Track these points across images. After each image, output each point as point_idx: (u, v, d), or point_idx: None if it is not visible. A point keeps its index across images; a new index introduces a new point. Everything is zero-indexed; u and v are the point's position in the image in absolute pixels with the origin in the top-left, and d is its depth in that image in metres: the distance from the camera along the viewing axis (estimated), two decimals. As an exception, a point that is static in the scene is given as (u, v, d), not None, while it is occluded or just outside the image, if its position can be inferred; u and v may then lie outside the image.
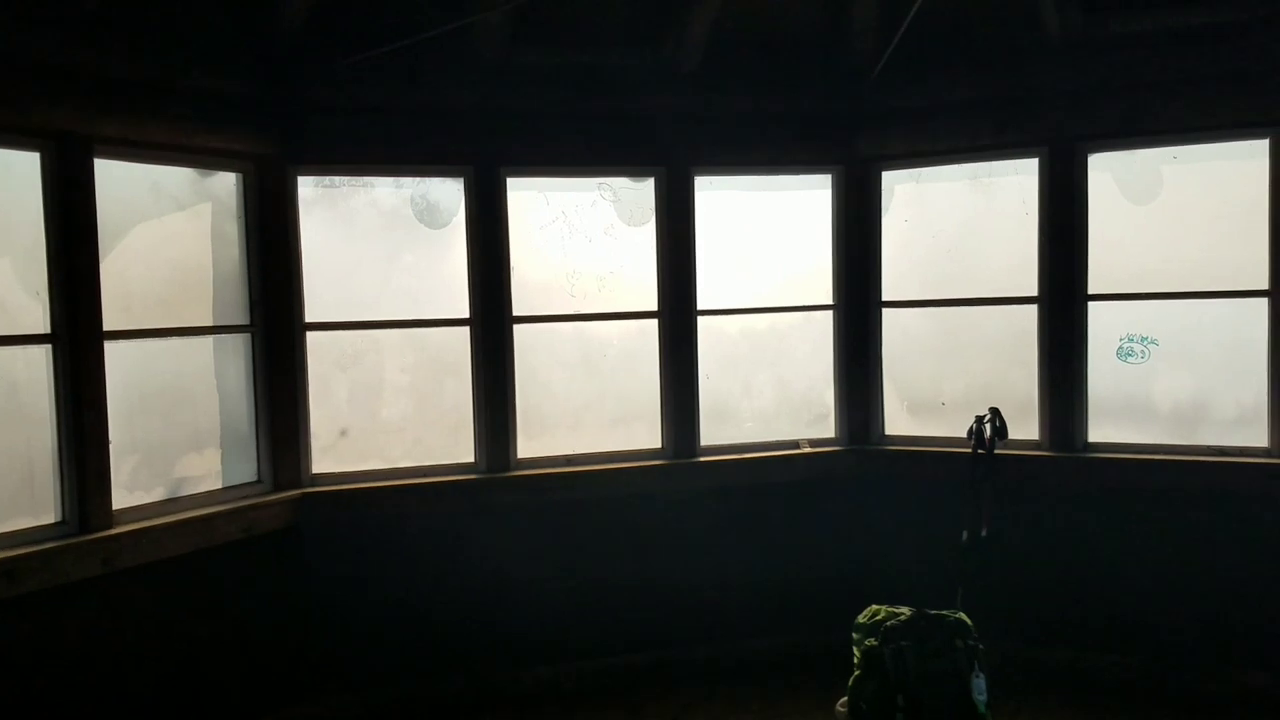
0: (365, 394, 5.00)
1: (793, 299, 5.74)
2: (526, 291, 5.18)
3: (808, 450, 5.64)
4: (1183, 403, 5.13)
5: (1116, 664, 5.14)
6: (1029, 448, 5.33)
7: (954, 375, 5.62)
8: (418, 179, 5.05)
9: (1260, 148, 4.81)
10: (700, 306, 5.47)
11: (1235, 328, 4.91)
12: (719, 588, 5.52)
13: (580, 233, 5.27)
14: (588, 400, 5.37)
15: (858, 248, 5.70)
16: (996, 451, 5.21)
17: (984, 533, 5.16)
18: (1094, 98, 5.06)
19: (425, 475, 5.07)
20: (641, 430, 5.46)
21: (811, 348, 5.75)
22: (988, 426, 5.21)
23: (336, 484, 4.93)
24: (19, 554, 3.64)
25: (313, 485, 4.89)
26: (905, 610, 3.97)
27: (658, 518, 5.40)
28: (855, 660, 4.00)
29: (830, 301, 5.76)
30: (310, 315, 4.88)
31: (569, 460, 5.33)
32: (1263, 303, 4.83)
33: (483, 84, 5.01)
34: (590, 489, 5.24)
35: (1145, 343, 5.13)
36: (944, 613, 3.90)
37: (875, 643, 3.67)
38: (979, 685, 3.60)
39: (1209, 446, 5.01)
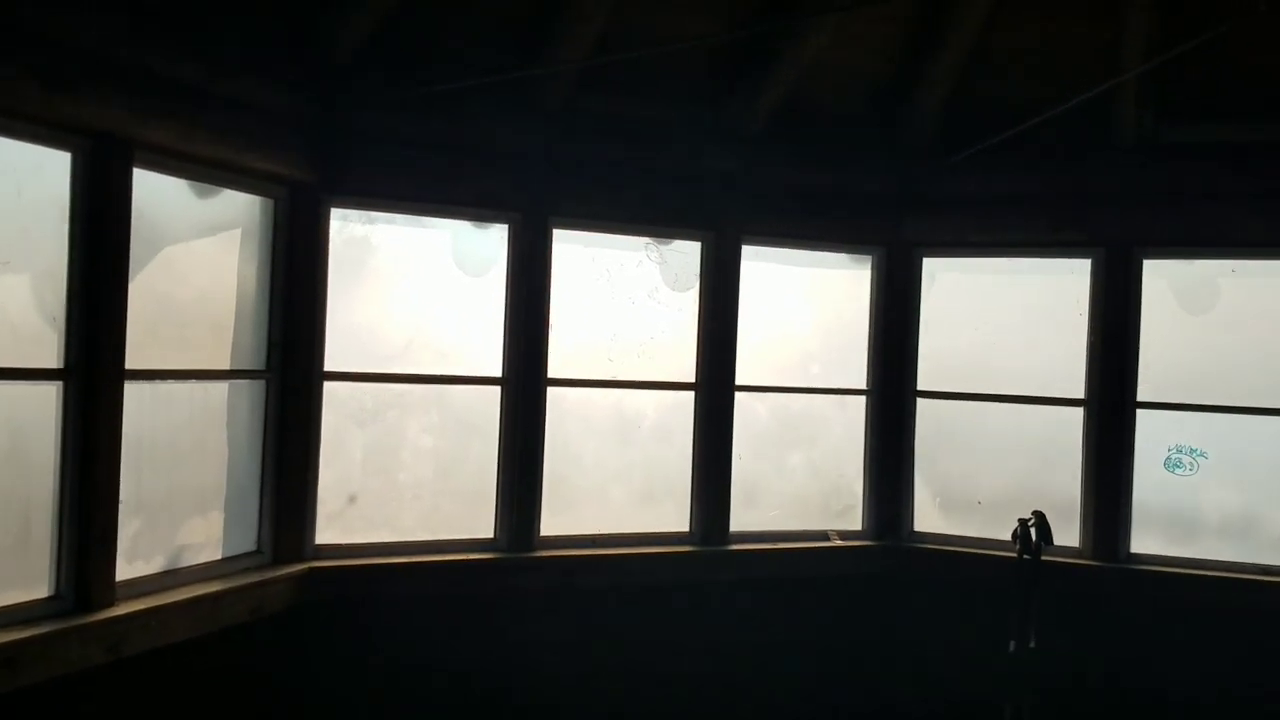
0: (382, 454, 4.53)
1: (827, 381, 5.58)
2: (563, 352, 4.84)
3: (838, 543, 5.42)
4: (1231, 518, 5.13)
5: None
6: (1069, 554, 5.22)
7: (989, 474, 5.51)
8: (457, 221, 4.71)
9: None
10: (738, 381, 5.29)
11: None
12: (744, 693, 5.23)
13: (623, 293, 4.97)
14: (617, 472, 5.02)
15: (896, 333, 5.56)
16: (1045, 559, 5.15)
17: (1033, 644, 5.04)
18: (1156, 203, 5.06)
19: (441, 551, 4.60)
20: (670, 509, 5.12)
21: (843, 433, 5.56)
22: (1033, 531, 5.14)
23: (343, 558, 4.39)
24: (17, 638, 3.04)
25: (316, 558, 4.35)
26: None
27: (685, 612, 5.04)
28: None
29: (864, 386, 5.64)
30: (330, 363, 4.41)
31: (594, 541, 4.95)
32: (1317, 422, 4.96)
33: (542, 129, 4.71)
34: (615, 575, 4.85)
35: (1195, 454, 5.15)
36: None
37: None
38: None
39: (1256, 565, 5.06)
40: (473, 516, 4.68)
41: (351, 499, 4.43)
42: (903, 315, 5.56)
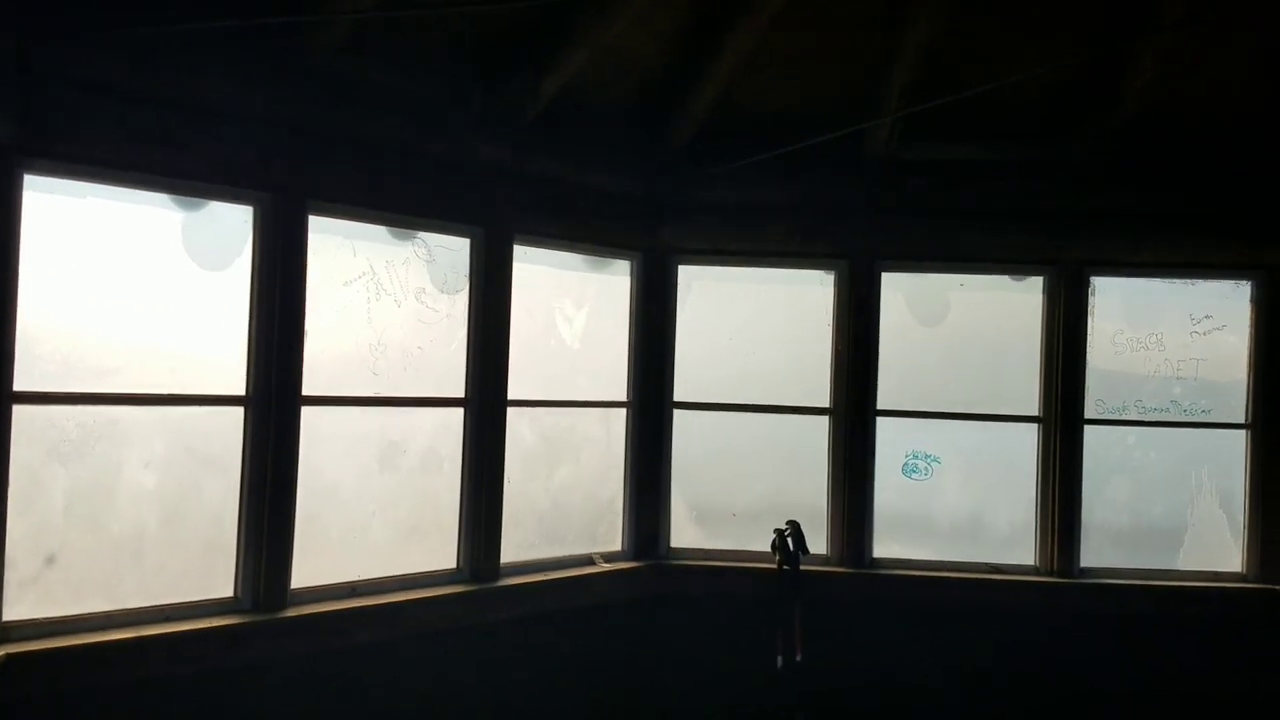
0: (91, 499, 3.47)
1: (592, 393, 5.34)
2: (320, 364, 4.10)
3: (603, 566, 5.18)
4: (962, 519, 5.61)
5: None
6: (819, 562, 5.45)
7: (743, 485, 5.59)
8: (192, 200, 3.75)
9: (1036, 283, 5.53)
10: (510, 396, 4.84)
11: (1010, 450, 5.52)
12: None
13: (389, 295, 4.36)
14: (381, 504, 4.34)
15: (654, 342, 5.42)
16: (804, 569, 5.30)
17: (799, 657, 5.16)
18: (896, 218, 5.40)
19: (168, 620, 3.65)
20: (438, 543, 4.57)
21: (607, 449, 5.35)
22: (790, 540, 5.28)
23: (43, 638, 3.36)
24: None
25: (6, 640, 3.29)
26: None
27: (454, 659, 4.49)
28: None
29: (625, 399, 5.48)
30: (22, 381, 3.32)
31: (354, 589, 4.23)
32: (1033, 428, 5.56)
33: (299, 96, 3.95)
34: (378, 628, 4.17)
35: (930, 460, 5.58)
36: None
37: None
38: None
39: (985, 564, 5.58)
40: (209, 571, 3.80)
41: (50, 559, 3.38)
42: (660, 324, 5.45)
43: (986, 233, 5.39)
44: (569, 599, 4.91)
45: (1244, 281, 5.40)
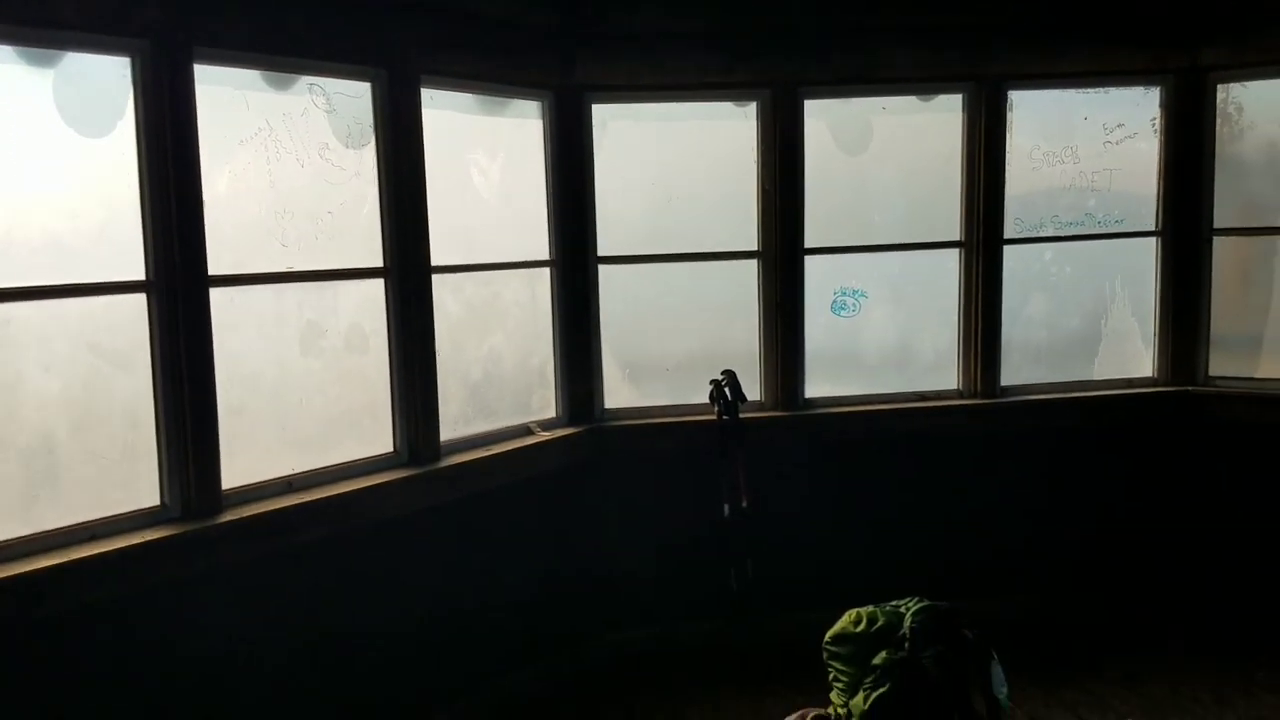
0: None
1: (515, 253, 4.98)
2: (224, 239, 3.59)
3: (541, 435, 4.97)
4: (889, 351, 5.61)
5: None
6: (755, 409, 5.41)
7: (675, 337, 5.40)
8: (60, 53, 3.15)
9: (954, 103, 5.37)
10: (434, 262, 4.43)
11: (934, 277, 5.52)
12: (466, 624, 4.60)
13: (290, 153, 3.85)
14: (307, 390, 3.92)
15: (573, 193, 5.07)
16: (742, 417, 5.24)
17: (744, 504, 5.15)
18: (820, 40, 5.14)
19: (95, 539, 3.25)
20: (372, 427, 4.21)
21: (536, 312, 5.07)
22: (727, 390, 5.20)
23: None
24: None
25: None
26: (907, 605, 3.62)
27: (402, 548, 4.22)
28: (860, 678, 3.52)
29: (548, 257, 5.16)
30: None
31: (290, 484, 3.87)
32: (955, 253, 5.58)
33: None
34: (319, 524, 3.81)
35: (857, 295, 5.53)
36: (935, 603, 3.66)
37: (895, 653, 3.36)
38: (999, 675, 3.54)
39: (913, 393, 5.62)
40: (132, 481, 3.39)
41: (-52, 489, 2.93)
42: (578, 172, 5.11)
43: (909, 51, 5.22)
44: (512, 472, 4.69)
45: (1153, 88, 5.49)
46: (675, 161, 5.24)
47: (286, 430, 3.90)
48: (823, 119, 5.31)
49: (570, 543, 5.09)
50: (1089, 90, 5.47)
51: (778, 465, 5.30)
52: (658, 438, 5.20)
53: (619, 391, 5.29)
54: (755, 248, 5.31)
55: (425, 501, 4.28)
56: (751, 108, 5.25)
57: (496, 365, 4.85)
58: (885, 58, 5.22)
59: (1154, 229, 5.55)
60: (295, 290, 3.89)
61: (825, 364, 5.43)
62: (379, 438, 4.25)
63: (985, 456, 5.48)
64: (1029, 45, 5.27)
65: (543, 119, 5.01)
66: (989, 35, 5.24)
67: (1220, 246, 5.47)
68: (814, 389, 5.42)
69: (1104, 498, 5.56)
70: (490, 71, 4.65)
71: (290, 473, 3.87)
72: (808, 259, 5.34)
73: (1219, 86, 5.40)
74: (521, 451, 4.74)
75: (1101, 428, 5.52)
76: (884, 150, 5.40)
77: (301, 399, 3.94)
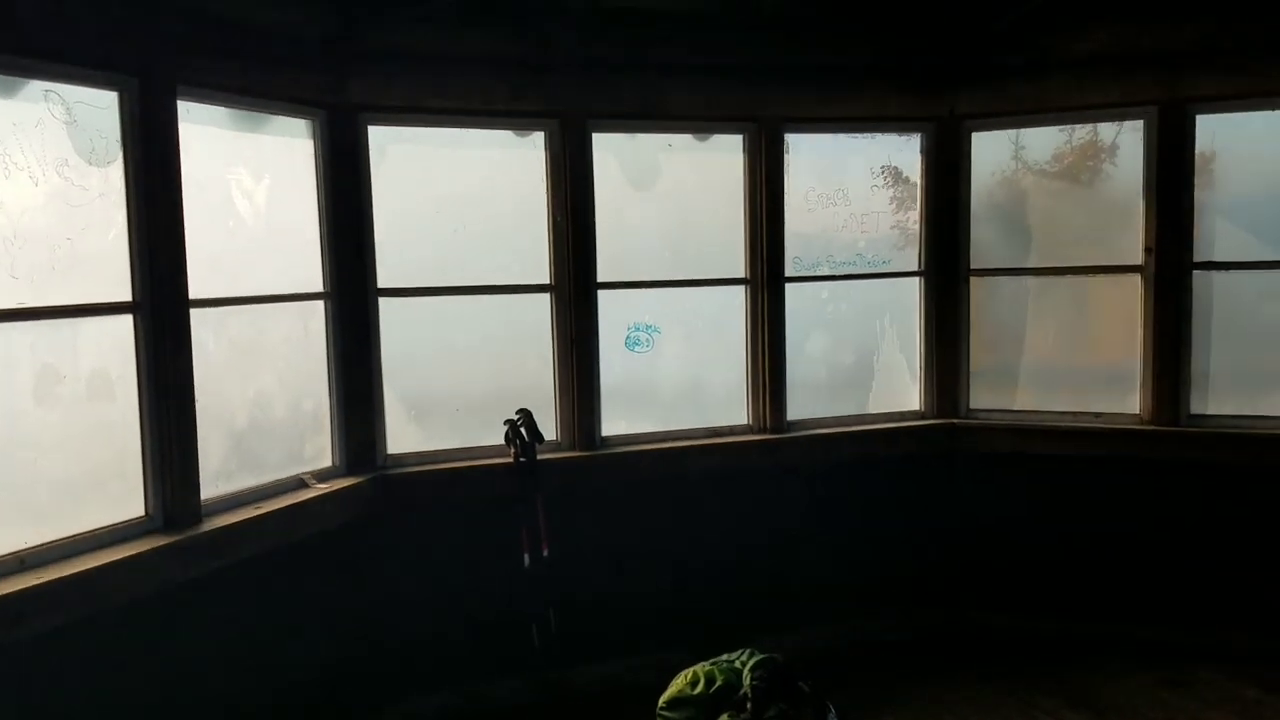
0: None
1: (284, 285, 4.45)
2: (-66, 269, 2.96)
3: (316, 489, 4.46)
4: (682, 387, 5.53)
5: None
6: (552, 449, 5.17)
7: (465, 375, 5.06)
8: None
9: (735, 142, 5.40)
10: (192, 295, 3.86)
11: (723, 313, 5.49)
12: (242, 713, 4.03)
13: (22, 169, 3.21)
14: (44, 447, 3.28)
15: (349, 220, 4.65)
16: (540, 458, 4.98)
17: (545, 552, 4.87)
18: (609, 73, 5.02)
19: None
20: (121, 488, 3.60)
21: (306, 351, 4.57)
22: (523, 430, 4.93)
23: None
24: None
25: None
26: (742, 660, 3.43)
27: (159, 631, 3.64)
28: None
29: (322, 289, 4.68)
30: None
31: (22, 562, 3.19)
32: (742, 290, 5.57)
33: None
34: (57, 610, 3.18)
35: (650, 331, 5.43)
36: (771, 655, 3.49)
37: (737, 716, 3.14)
38: (834, 725, 3.41)
39: (706, 429, 5.57)
40: None
41: None
42: (354, 197, 4.69)
43: (692, 90, 5.22)
44: (285, 533, 4.18)
45: (915, 134, 5.79)
46: (463, 190, 4.95)
47: (18, 496, 3.25)
48: (612, 153, 5.19)
49: (356, 608, 4.64)
50: (858, 135, 5.70)
51: (579, 508, 5.08)
52: (449, 484, 4.84)
53: (404, 435, 4.89)
54: (548, 281, 5.09)
55: (185, 573, 3.71)
56: (540, 137, 5.05)
57: (265, 411, 4.33)
58: (670, 95, 5.18)
59: (917, 269, 5.83)
60: (27, 329, 3.27)
61: (621, 400, 5.28)
62: (129, 500, 3.65)
63: (778, 490, 5.51)
64: (804, 89, 5.40)
65: (314, 139, 4.58)
66: (766, 78, 5.32)
67: (977, 286, 5.83)
68: (611, 426, 5.25)
69: (885, 527, 5.73)
70: (257, 84, 4.18)
71: (22, 548, 3.23)
72: (601, 293, 5.18)
73: (973, 135, 5.77)
74: (296, 508, 4.24)
75: (879, 459, 5.69)
76: (672, 187, 5.36)
77: (35, 458, 3.31)
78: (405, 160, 4.84)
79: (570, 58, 4.95)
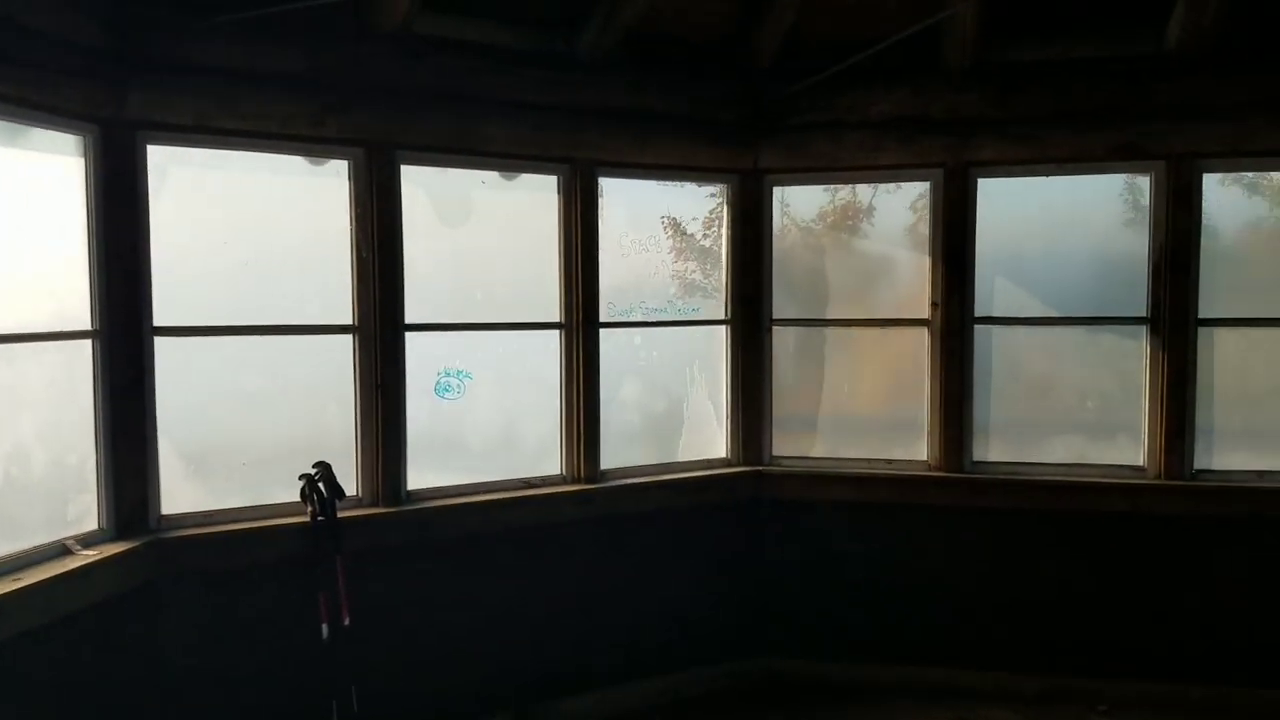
0: None
1: (43, 321, 3.81)
2: None
3: (86, 557, 3.80)
4: (495, 436, 5.23)
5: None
6: (352, 505, 4.71)
7: (255, 423, 4.54)
8: None
9: (549, 182, 5.24)
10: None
11: (538, 359, 5.27)
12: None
13: None
14: None
15: (122, 250, 4.08)
16: (340, 516, 4.52)
17: (347, 621, 4.40)
18: (420, 102, 4.75)
19: None
20: None
21: (71, 397, 3.92)
22: (321, 486, 4.48)
23: None
24: None
25: None
26: None
27: None
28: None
29: (90, 326, 4.04)
30: None
31: None
32: (556, 335, 5.35)
33: None
34: None
35: (461, 376, 5.10)
36: None
37: None
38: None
39: (519, 480, 5.26)
40: None
41: None
42: (131, 225, 4.12)
43: (507, 125, 5.02)
44: (44, 609, 3.53)
45: (721, 185, 5.85)
46: (258, 221, 4.50)
47: None
48: (422, 187, 4.89)
49: (127, 698, 3.98)
50: (670, 183, 5.70)
51: (384, 570, 4.66)
52: (236, 547, 4.30)
53: (183, 493, 4.32)
54: (351, 322, 4.70)
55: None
56: (345, 166, 4.68)
57: (22, 466, 3.69)
58: (484, 129, 4.96)
59: (724, 318, 5.88)
60: None
61: (430, 451, 4.93)
62: None
63: (591, 542, 5.32)
64: (619, 133, 5.34)
65: (85, 157, 4.00)
66: (584, 120, 5.22)
67: (779, 335, 5.94)
68: (418, 480, 4.87)
69: (694, 577, 5.66)
70: (20, 93, 3.60)
71: None
72: (409, 335, 4.83)
73: (775, 189, 5.91)
74: (57, 581, 3.61)
75: (689, 509, 5.63)
76: (486, 225, 5.13)
77: None
78: (193, 185, 4.35)
79: (380, 83, 4.64)
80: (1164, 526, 5.51)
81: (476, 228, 5.09)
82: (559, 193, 5.27)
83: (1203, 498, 5.47)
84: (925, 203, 5.75)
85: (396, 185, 4.75)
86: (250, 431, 4.52)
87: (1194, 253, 5.45)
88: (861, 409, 6.03)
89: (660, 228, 5.66)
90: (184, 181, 4.30)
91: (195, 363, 4.34)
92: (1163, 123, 5.38)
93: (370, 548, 4.59)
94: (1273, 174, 5.54)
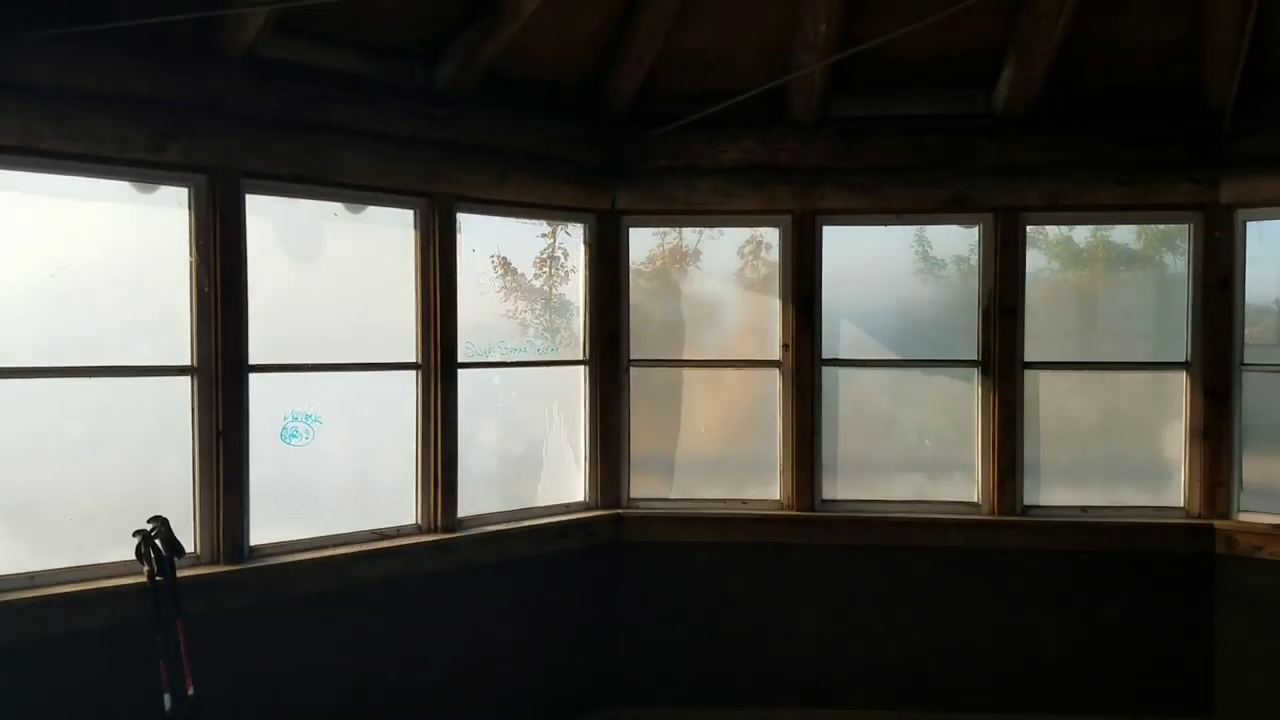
0: None
1: None
2: None
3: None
4: (347, 485, 4.93)
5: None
6: (191, 564, 4.30)
7: (83, 475, 4.09)
8: None
9: (406, 217, 5.04)
10: None
11: (392, 402, 5.02)
12: None
13: None
14: None
15: (-72, 278, 3.67)
16: (180, 575, 4.12)
17: (190, 690, 3.98)
18: (269, 129, 4.46)
19: None
20: None
21: None
22: (159, 543, 4.08)
23: None
24: None
25: None
26: None
27: None
28: None
29: (-112, 366, 3.54)
30: None
31: None
32: (413, 376, 5.11)
33: None
34: None
35: (310, 421, 4.76)
36: None
37: None
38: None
39: (371, 531, 4.97)
40: None
41: None
42: (-62, 251, 3.71)
43: (362, 156, 4.79)
44: None
45: (580, 224, 5.80)
46: (87, 252, 4.09)
47: None
48: (270, 218, 4.61)
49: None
50: (528, 220, 5.61)
51: (229, 633, 4.29)
52: (61, 613, 3.85)
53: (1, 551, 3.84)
54: (190, 363, 4.34)
55: None
56: (185, 194, 4.35)
57: None
58: (339, 159, 4.73)
59: (583, 358, 5.81)
60: None
61: (276, 502, 4.59)
62: None
63: (450, 595, 5.10)
64: (479, 169, 5.22)
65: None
66: (442, 153, 5.07)
67: (637, 376, 5.92)
68: (263, 534, 4.52)
69: (556, 627, 5.54)
70: None
71: None
72: (254, 377, 4.51)
73: (630, 229, 5.92)
74: None
75: (550, 555, 5.49)
76: (338, 261, 4.87)
77: None
78: (13, 211, 3.91)
79: (227, 108, 4.35)
80: (999, 561, 5.78)
81: (328, 263, 4.84)
82: (416, 228, 5.09)
83: (1032, 532, 5.79)
84: (751, 248, 5.92)
85: (242, 216, 4.45)
86: (78, 484, 4.08)
87: (1020, 299, 5.81)
88: (716, 449, 6.09)
89: (521, 266, 5.54)
90: (3, 207, 3.87)
91: (13, 409, 3.88)
92: (990, 177, 5.73)
93: (213, 610, 4.22)
94: (1048, 228, 5.94)
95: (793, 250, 5.83)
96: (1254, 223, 5.69)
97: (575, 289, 5.78)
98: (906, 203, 5.80)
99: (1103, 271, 6.05)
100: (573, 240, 5.78)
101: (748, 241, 5.96)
